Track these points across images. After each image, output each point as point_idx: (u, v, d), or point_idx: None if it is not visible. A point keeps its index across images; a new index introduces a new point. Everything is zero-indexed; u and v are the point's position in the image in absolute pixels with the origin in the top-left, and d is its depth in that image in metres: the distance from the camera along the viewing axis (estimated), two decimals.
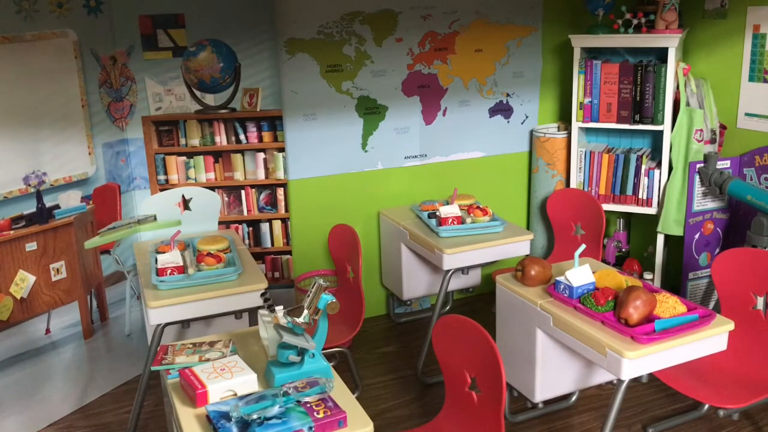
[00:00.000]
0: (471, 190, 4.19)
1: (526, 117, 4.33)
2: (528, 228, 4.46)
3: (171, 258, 2.94)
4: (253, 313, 2.98)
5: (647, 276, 3.98)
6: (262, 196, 3.71)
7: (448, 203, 3.73)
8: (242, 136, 3.61)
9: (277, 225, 3.75)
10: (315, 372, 2.15)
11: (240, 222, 3.70)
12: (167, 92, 3.47)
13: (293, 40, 3.68)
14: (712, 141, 3.84)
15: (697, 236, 3.82)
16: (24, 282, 3.08)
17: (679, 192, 3.78)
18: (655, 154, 3.98)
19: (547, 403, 3.12)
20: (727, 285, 2.93)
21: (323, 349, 2.26)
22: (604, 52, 4.02)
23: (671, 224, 3.82)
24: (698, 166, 3.72)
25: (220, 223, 3.67)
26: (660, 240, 3.90)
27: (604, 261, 4.04)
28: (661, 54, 3.80)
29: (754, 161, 3.71)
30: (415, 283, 3.90)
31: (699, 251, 3.85)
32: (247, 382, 2.09)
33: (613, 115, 3.90)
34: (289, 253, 3.81)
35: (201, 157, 3.59)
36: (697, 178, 3.73)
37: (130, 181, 3.50)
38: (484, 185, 4.29)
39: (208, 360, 2.25)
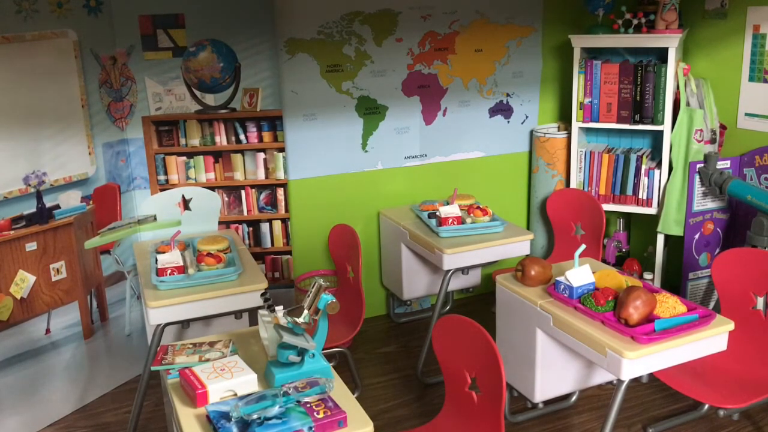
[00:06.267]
0: (471, 190, 4.19)
1: (526, 117, 4.33)
2: (528, 228, 4.46)
3: (171, 258, 2.94)
4: (253, 313, 2.98)
5: (647, 276, 3.98)
6: (262, 196, 3.71)
7: (448, 203, 3.73)
8: (242, 136, 3.61)
9: (277, 225, 3.75)
10: (315, 372, 2.15)
11: (240, 222, 3.70)
12: (167, 92, 3.47)
13: (293, 40, 3.68)
14: (712, 141, 3.84)
15: (697, 236, 3.82)
16: (24, 282, 3.08)
17: (679, 192, 3.78)
18: (655, 154, 3.98)
19: (547, 403, 3.12)
20: (727, 285, 2.93)
21: (323, 349, 2.26)
22: (604, 52, 4.02)
23: (671, 224, 3.82)
24: (698, 166, 3.72)
25: (220, 223, 3.67)
26: (660, 240, 3.90)
27: (604, 261, 4.04)
28: (661, 54, 3.80)
29: (754, 161, 3.71)
30: (415, 283, 3.90)
31: (699, 251, 3.85)
32: (247, 382, 2.09)
33: (613, 115, 3.90)
34: (289, 253, 3.81)
35: (201, 157, 3.59)
36: (697, 178, 3.73)
37: (130, 181, 3.50)
38: (484, 185, 4.29)
39: (208, 360, 2.26)
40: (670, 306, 2.51)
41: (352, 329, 3.29)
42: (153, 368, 2.29)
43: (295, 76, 3.72)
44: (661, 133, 3.82)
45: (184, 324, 3.14)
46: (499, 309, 3.00)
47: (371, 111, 3.94)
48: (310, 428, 1.89)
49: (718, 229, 3.86)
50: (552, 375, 2.85)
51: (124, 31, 3.33)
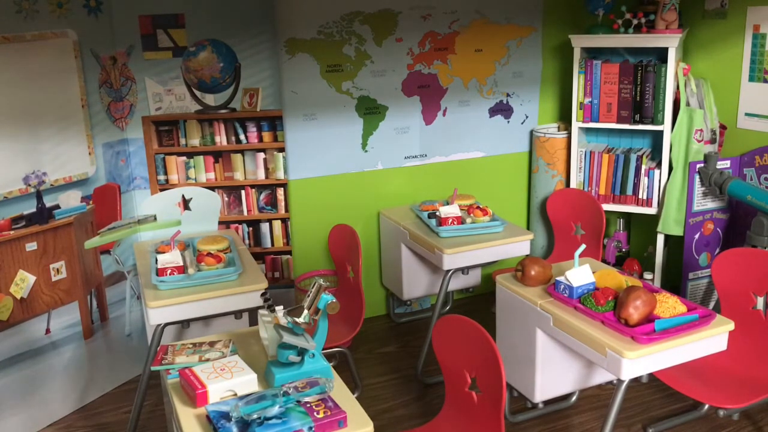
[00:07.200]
0: (471, 190, 4.19)
1: (526, 117, 4.33)
2: (528, 228, 4.46)
3: (171, 258, 2.94)
4: (253, 313, 2.98)
5: (647, 276, 3.98)
6: (262, 196, 3.71)
7: (448, 203, 3.73)
8: (242, 136, 3.61)
9: (277, 225, 3.75)
10: (315, 372, 2.15)
11: (240, 222, 3.70)
12: (167, 92, 3.47)
13: (293, 40, 3.68)
14: (712, 141, 3.84)
15: (697, 236, 3.82)
16: (24, 282, 3.08)
17: (679, 192, 3.78)
18: (655, 154, 3.98)
19: (547, 403, 3.12)
20: (727, 285, 2.93)
21: (323, 349, 2.26)
22: (604, 52, 4.02)
23: (671, 224, 3.82)
24: (698, 166, 3.72)
25: (220, 223, 3.67)
26: (660, 240, 3.90)
27: (604, 261, 4.04)
28: (661, 54, 3.80)
29: (754, 161, 3.71)
30: (415, 283, 3.90)
31: (699, 251, 3.85)
32: (247, 382, 2.09)
33: (613, 115, 3.90)
34: (289, 253, 3.81)
35: (201, 157, 3.59)
36: (697, 178, 3.73)
37: (130, 181, 3.50)
38: (484, 185, 4.29)
39: (208, 360, 2.26)
40: (670, 306, 2.51)
41: (352, 329, 3.29)
42: (153, 368, 2.29)
43: (295, 76, 3.72)
44: (661, 133, 3.82)
45: (184, 324, 3.14)
46: (499, 309, 3.00)
47: (371, 111, 3.94)
48: (310, 428, 1.89)
49: (718, 229, 3.86)
50: (552, 375, 2.85)
51: (123, 31, 3.33)
